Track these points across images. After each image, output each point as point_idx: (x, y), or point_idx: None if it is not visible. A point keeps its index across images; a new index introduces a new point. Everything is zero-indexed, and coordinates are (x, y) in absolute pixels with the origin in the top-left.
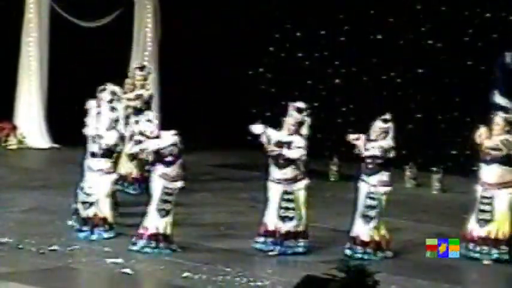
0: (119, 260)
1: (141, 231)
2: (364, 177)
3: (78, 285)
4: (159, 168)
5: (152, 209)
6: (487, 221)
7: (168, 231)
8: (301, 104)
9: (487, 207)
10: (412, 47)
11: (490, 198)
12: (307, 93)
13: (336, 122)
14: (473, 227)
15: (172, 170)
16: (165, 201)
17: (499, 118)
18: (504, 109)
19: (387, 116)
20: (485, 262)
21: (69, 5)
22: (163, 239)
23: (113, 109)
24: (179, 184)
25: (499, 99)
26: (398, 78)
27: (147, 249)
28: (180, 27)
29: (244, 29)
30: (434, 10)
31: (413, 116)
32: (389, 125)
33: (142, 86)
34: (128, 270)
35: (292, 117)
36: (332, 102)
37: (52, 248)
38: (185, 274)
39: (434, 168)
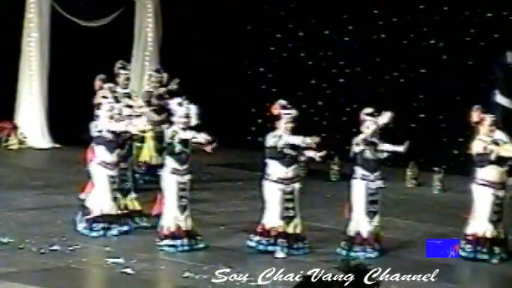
0: (120, 260)
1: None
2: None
3: (78, 285)
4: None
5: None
6: None
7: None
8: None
9: None
10: (414, 46)
11: None
12: (310, 93)
13: (339, 122)
14: None
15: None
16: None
17: None
18: (505, 109)
19: None
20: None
21: (69, 4)
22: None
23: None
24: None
25: (500, 99)
26: (401, 78)
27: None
28: (180, 27)
29: (245, 28)
30: (436, 10)
31: (415, 115)
32: None
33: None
34: (128, 270)
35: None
36: (335, 101)
37: (53, 247)
38: (186, 274)
39: (436, 168)
